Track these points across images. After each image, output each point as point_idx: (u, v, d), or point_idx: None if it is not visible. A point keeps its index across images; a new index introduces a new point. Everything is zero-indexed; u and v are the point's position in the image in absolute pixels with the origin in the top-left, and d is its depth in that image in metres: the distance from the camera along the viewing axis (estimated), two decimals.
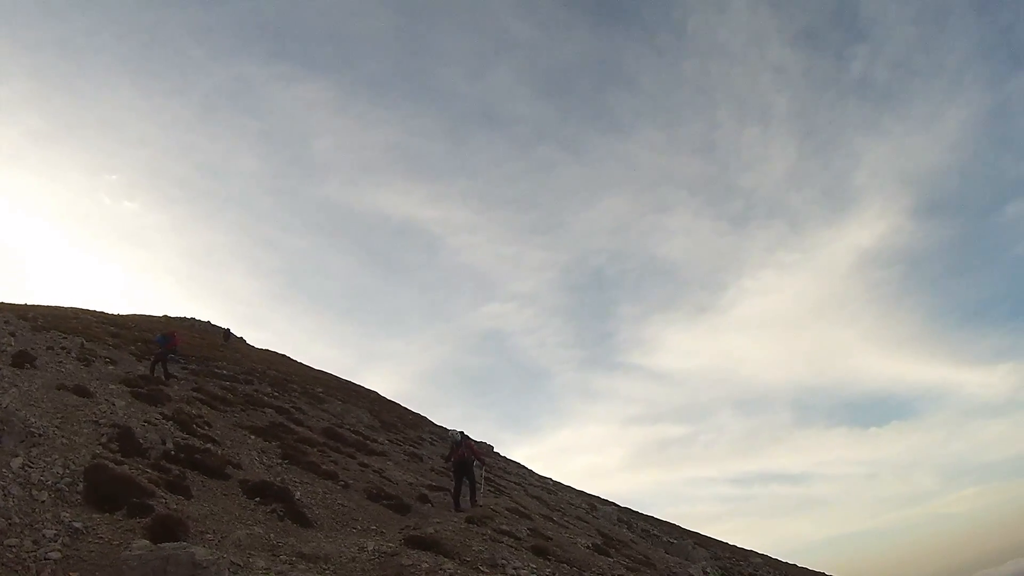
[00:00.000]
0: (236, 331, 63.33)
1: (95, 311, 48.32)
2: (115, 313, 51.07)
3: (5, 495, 11.92)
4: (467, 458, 21.55)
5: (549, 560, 16.21)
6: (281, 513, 15.51)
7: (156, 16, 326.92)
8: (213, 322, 65.89)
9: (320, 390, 41.31)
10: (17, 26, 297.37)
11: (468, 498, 21.68)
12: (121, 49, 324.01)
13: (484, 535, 16.63)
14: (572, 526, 26.27)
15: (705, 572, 26.06)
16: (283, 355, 60.41)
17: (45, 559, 10.50)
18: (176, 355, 28.75)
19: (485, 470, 23.89)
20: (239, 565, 10.89)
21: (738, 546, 49.62)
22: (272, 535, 13.49)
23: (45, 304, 44.11)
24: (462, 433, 22.01)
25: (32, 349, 23.69)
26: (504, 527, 18.33)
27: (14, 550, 10.53)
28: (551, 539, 19.21)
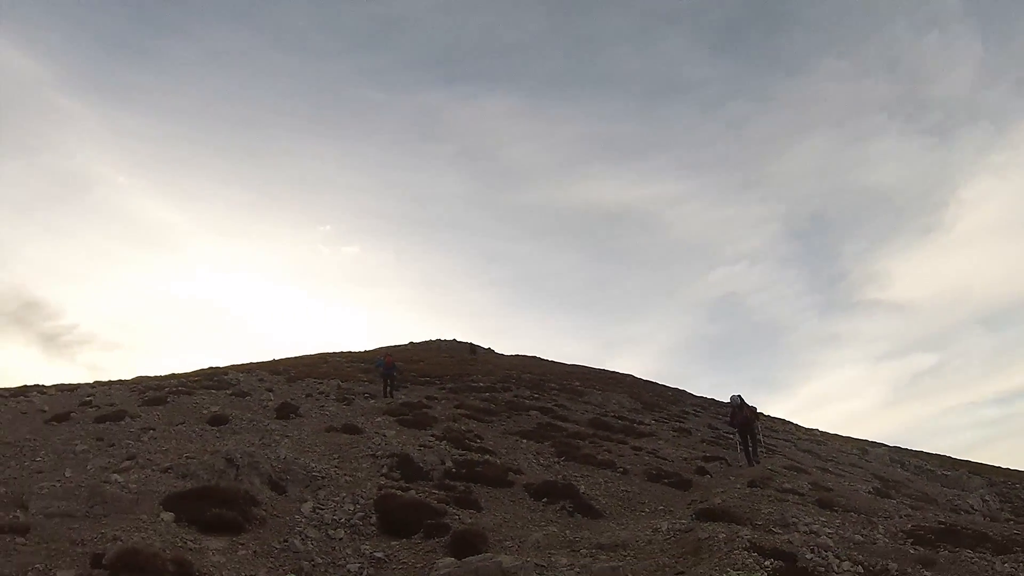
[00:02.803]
0: (481, 343, 65.67)
1: (342, 352, 51.72)
2: (361, 351, 54.26)
3: (303, 539, 12.85)
4: (749, 419, 23.84)
5: (835, 511, 16.48)
6: (570, 509, 16.06)
7: (326, 69, 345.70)
8: (458, 339, 68.58)
9: (577, 383, 41.89)
10: (200, 112, 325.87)
11: (749, 458, 23.74)
12: (303, 108, 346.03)
13: (769, 496, 17.43)
14: (847, 474, 26.84)
15: (984, 500, 25.12)
16: (533, 357, 61.80)
17: None
18: (395, 372, 31.73)
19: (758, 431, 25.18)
20: (543, 566, 11.14)
21: (1012, 468, 47.22)
22: (567, 532, 13.86)
23: (292, 356, 47.55)
24: (740, 397, 24.41)
25: (292, 399, 25.70)
26: (786, 485, 19.32)
27: None
28: (832, 490, 19.67)
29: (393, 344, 61.90)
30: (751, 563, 10.62)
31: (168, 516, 12.68)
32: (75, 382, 29.37)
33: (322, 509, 14.31)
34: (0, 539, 10.86)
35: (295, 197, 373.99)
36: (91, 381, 30.56)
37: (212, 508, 12.92)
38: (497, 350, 66.92)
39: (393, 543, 13.14)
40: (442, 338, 69.17)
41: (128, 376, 32.78)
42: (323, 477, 16.10)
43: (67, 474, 14.81)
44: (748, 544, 11.49)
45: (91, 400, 23.46)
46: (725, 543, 11.62)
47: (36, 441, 17.51)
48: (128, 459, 15.92)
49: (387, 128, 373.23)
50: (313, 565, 11.95)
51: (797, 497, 17.69)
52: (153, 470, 15.15)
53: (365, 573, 11.83)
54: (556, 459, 21.19)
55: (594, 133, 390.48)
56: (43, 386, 27.37)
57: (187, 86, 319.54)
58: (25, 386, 26.92)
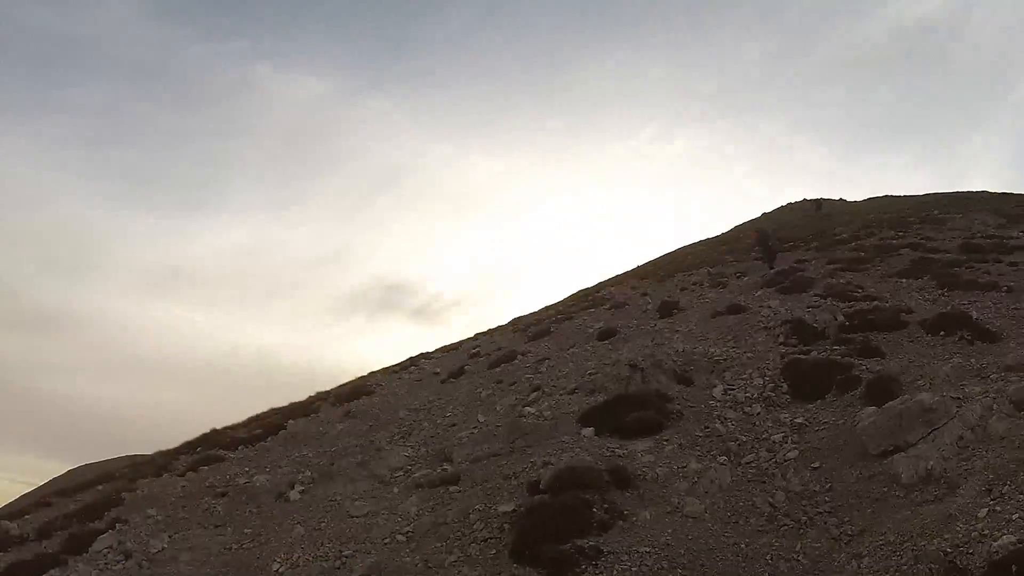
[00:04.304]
0: (828, 196, 63.10)
1: (702, 240, 51.74)
2: (715, 235, 54.05)
3: (723, 422, 13.56)
4: None
5: None
6: (968, 338, 15.84)
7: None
8: (806, 198, 66.41)
9: (936, 212, 39.28)
10: (481, 72, 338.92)
11: None
12: (579, 29, 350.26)
13: None
14: None
15: None
16: (884, 197, 58.38)
17: (785, 460, 11.70)
18: (771, 240, 30.98)
19: None
20: (958, 398, 11.25)
21: None
22: (971, 360, 13.68)
23: (652, 259, 48.29)
24: None
25: (669, 297, 26.32)
26: None
27: (753, 464, 11.96)
28: None
29: (745, 221, 61.18)
30: None
31: (588, 431, 13.78)
32: (456, 340, 30.89)
33: (732, 389, 14.99)
34: (435, 492, 12.38)
35: (606, 110, 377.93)
36: (471, 335, 32.58)
37: (629, 413, 13.93)
38: (847, 199, 64.10)
39: (809, 406, 13.52)
40: (791, 201, 67.31)
41: (504, 321, 34.67)
42: (724, 359, 16.77)
43: (480, 419, 16.47)
44: None
45: (478, 351, 25.28)
46: None
47: (441, 400, 19.34)
48: (533, 391, 17.38)
49: (669, 15, 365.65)
50: (739, 444, 12.61)
51: None
52: (560, 395, 16.50)
53: (790, 440, 12.29)
54: (939, 291, 20.69)
55: None
56: (428, 352, 28.96)
57: (458, 54, 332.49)
58: (411, 357, 28.64)
